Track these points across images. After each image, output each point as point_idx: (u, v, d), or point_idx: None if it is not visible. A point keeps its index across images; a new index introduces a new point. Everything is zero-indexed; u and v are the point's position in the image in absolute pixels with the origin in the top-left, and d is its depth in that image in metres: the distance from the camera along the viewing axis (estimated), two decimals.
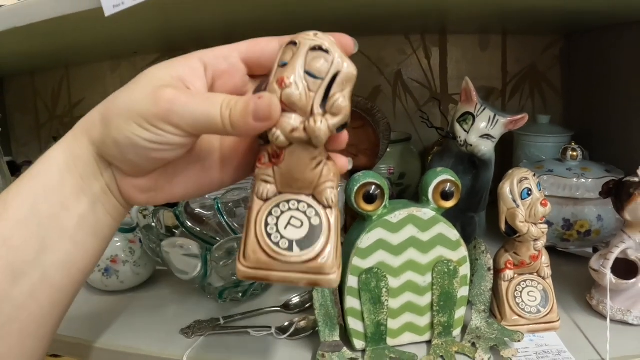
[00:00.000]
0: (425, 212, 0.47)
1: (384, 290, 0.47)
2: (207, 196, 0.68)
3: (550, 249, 0.68)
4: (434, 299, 0.48)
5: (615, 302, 0.52)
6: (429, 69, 0.98)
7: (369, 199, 0.45)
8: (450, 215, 0.55)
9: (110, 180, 0.35)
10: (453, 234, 0.48)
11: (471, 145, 0.54)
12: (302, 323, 0.53)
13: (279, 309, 0.58)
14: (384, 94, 1.00)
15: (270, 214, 0.32)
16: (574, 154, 0.68)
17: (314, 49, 0.29)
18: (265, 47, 0.34)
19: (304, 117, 0.29)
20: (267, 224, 0.31)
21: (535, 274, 0.53)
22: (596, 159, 0.72)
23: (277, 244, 0.31)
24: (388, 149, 0.76)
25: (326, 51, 0.29)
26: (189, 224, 0.67)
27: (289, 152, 0.31)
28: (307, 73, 0.29)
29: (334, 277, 0.31)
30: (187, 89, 0.32)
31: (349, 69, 0.30)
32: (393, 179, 0.78)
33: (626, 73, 0.73)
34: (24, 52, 0.78)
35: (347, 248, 0.48)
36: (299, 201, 0.32)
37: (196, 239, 0.66)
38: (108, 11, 0.44)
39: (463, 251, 0.48)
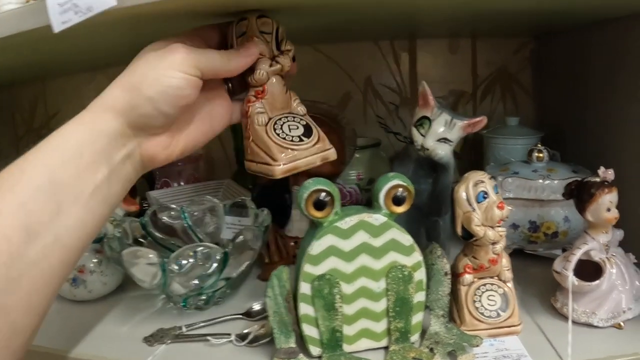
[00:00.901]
0: (377, 218, 0.47)
1: (337, 296, 0.47)
2: (173, 205, 0.69)
3: (518, 252, 0.68)
4: (389, 305, 0.48)
5: (580, 305, 0.51)
6: (399, 74, 0.98)
7: (319, 205, 0.45)
8: (413, 220, 0.55)
9: (134, 148, 0.41)
10: (406, 239, 0.47)
11: (428, 149, 0.54)
12: (261, 330, 0.52)
13: (241, 316, 0.58)
14: (354, 100, 1.00)
15: (274, 127, 0.46)
16: (540, 155, 0.67)
17: (259, 17, 0.46)
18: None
19: (271, 59, 0.47)
20: (277, 134, 0.46)
21: (496, 277, 0.52)
22: (568, 159, 0.72)
23: (292, 141, 0.46)
24: (357, 155, 0.76)
25: (267, 17, 0.47)
26: (156, 233, 0.67)
27: (270, 85, 0.47)
28: (261, 32, 0.46)
29: (334, 150, 0.47)
30: None
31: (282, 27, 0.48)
32: (362, 185, 0.78)
33: (596, 72, 0.73)
34: None
35: (299, 254, 0.48)
36: (286, 116, 0.48)
37: (163, 248, 0.66)
38: (57, 27, 0.43)
39: (417, 256, 0.48)
